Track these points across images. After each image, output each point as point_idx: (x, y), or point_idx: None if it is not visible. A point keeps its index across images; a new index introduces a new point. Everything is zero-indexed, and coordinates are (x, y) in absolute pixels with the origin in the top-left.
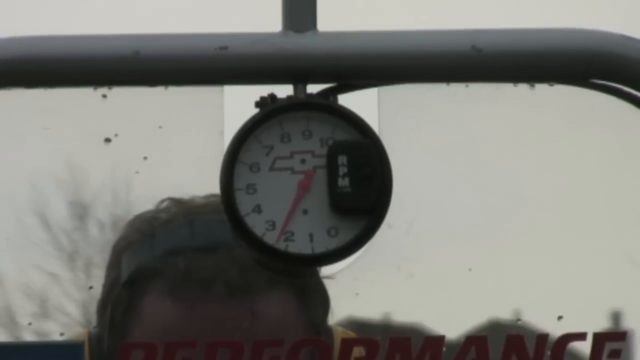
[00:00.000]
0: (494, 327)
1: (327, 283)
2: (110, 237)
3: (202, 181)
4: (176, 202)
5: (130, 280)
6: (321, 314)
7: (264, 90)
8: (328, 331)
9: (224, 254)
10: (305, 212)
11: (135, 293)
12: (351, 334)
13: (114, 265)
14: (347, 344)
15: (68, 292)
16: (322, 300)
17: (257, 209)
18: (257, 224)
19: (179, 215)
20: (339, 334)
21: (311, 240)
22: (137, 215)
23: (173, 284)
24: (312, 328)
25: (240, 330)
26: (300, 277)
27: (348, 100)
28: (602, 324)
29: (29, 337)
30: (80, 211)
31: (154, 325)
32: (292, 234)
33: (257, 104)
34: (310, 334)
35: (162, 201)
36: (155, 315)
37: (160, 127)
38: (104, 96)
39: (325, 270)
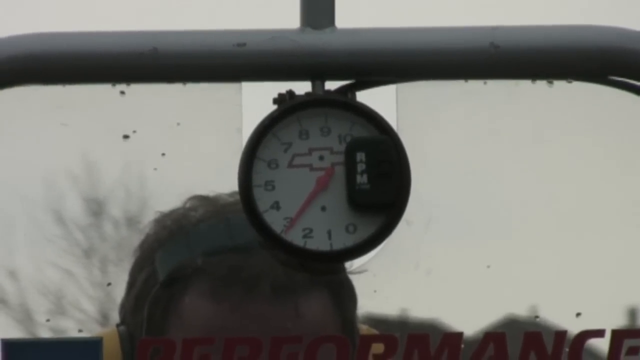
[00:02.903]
0: (512, 324)
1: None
2: (127, 235)
3: (221, 178)
4: (204, 200)
5: (169, 279)
6: (352, 310)
7: (282, 87)
8: (357, 329)
9: (265, 253)
10: (323, 208)
11: (176, 293)
12: (374, 332)
13: (145, 263)
14: (366, 340)
15: (84, 289)
16: (351, 297)
17: (276, 206)
18: (275, 221)
19: (211, 213)
20: (364, 331)
21: (329, 236)
22: (165, 214)
23: (216, 284)
24: (346, 325)
25: (284, 330)
26: (335, 273)
27: (366, 97)
28: (619, 321)
29: (45, 334)
30: (97, 208)
31: (198, 325)
32: (311, 230)
33: (275, 101)
34: (345, 331)
35: (189, 199)
36: (197, 316)
37: (178, 124)
38: (122, 93)
39: (352, 266)
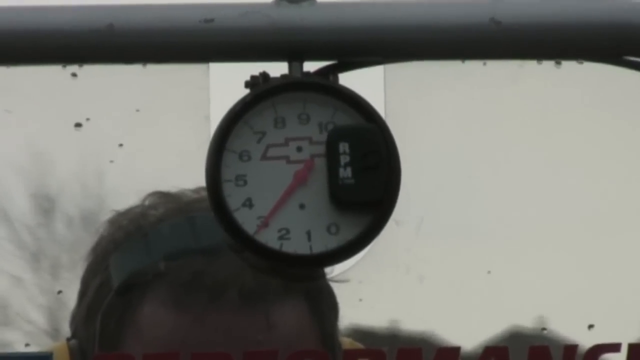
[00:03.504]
0: (516, 337)
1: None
2: (81, 235)
3: (186, 172)
4: (166, 197)
5: (124, 287)
6: (333, 321)
7: (255, 68)
8: (338, 342)
9: (233, 256)
10: (302, 206)
11: (132, 301)
12: (359, 346)
13: (98, 269)
14: (350, 355)
15: (32, 297)
16: (332, 306)
17: (248, 203)
18: (247, 220)
19: (173, 212)
20: (347, 345)
21: (309, 238)
22: (122, 212)
23: (178, 291)
24: (326, 338)
25: (254, 342)
26: (313, 279)
27: (350, 79)
28: (636, 334)
29: None
30: (47, 205)
31: (157, 338)
32: (288, 231)
33: (248, 84)
34: (325, 345)
35: (148, 196)
36: (158, 327)
37: (137, 110)
38: (74, 75)
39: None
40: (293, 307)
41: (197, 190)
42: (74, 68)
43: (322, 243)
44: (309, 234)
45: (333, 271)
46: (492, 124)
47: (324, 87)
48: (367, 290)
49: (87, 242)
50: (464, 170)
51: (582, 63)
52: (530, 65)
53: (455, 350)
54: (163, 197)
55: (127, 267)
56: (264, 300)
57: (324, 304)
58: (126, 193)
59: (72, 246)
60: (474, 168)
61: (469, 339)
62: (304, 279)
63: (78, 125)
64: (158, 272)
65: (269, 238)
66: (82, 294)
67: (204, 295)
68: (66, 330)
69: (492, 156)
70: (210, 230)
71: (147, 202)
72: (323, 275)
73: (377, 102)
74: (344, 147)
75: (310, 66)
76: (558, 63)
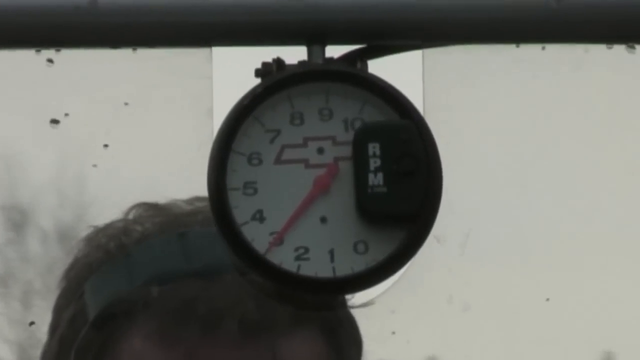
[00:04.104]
0: None
1: (355, 316)
2: (59, 255)
3: (183, 178)
4: (153, 209)
5: (103, 317)
6: (355, 358)
7: (267, 54)
8: None
9: (232, 280)
10: (323, 220)
11: (112, 335)
12: None
13: (72, 296)
14: None
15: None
16: (353, 340)
17: (259, 216)
18: (257, 236)
19: (161, 227)
20: None
21: (332, 258)
22: (100, 229)
23: (166, 322)
24: None
25: None
26: (328, 309)
27: (382, 67)
28: None
29: None
30: (18, 218)
31: None
32: (307, 249)
33: (258, 73)
34: None
35: (133, 208)
36: None
37: (126, 103)
38: (50, 61)
39: (354, 298)
40: (305, 340)
41: (190, 202)
42: (50, 53)
43: (347, 264)
44: (331, 253)
45: (354, 297)
46: (552, 120)
47: (350, 76)
48: (401, 322)
49: (65, 263)
50: (518, 177)
51: None
52: (598, 50)
53: None
54: (150, 209)
55: (106, 294)
56: (270, 332)
57: (344, 338)
58: (112, 204)
59: (48, 268)
60: (530, 174)
61: None
62: (320, 307)
63: (55, 122)
64: (142, 300)
65: (284, 258)
66: (54, 327)
67: (196, 326)
68: None
69: (552, 159)
70: (205, 249)
71: (130, 215)
72: (343, 302)
73: (413, 95)
74: (374, 148)
75: (334, 51)
76: (631, 47)
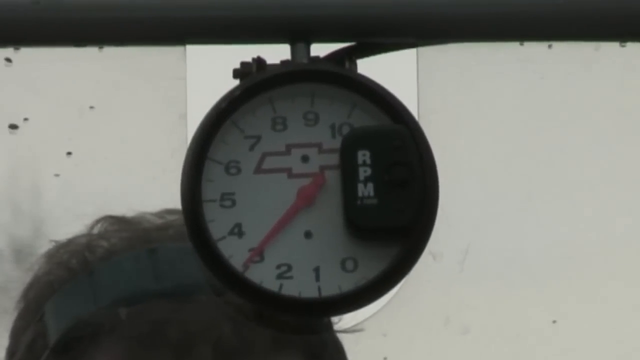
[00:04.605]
0: None
1: (343, 340)
2: (14, 273)
3: (153, 189)
4: (120, 224)
5: (64, 342)
6: None
7: (247, 52)
8: None
9: (206, 301)
10: (308, 235)
11: None
12: None
13: (31, 319)
14: None
15: None
16: None
17: (237, 230)
18: (235, 252)
19: (129, 242)
20: None
21: (317, 277)
22: (62, 243)
23: (134, 348)
24: None
25: None
26: (312, 332)
27: (372, 67)
28: None
29: None
30: None
31: None
32: (289, 267)
33: (237, 74)
34: None
35: (97, 221)
36: None
37: (91, 107)
38: (8, 61)
39: (341, 321)
40: None
41: (160, 215)
42: (7, 52)
43: (334, 283)
44: (317, 271)
45: (341, 319)
46: (560, 125)
47: (338, 77)
48: (393, 346)
49: (21, 281)
50: (522, 187)
51: None
52: (610, 48)
53: None
54: (116, 223)
55: (68, 316)
56: (248, 358)
57: None
58: (74, 217)
59: (2, 288)
60: (535, 183)
61: None
62: (303, 330)
63: (13, 127)
64: (108, 323)
65: (265, 276)
66: (12, 352)
67: (167, 352)
68: None
69: (560, 168)
70: (177, 267)
71: (95, 230)
72: (329, 325)
73: (407, 97)
74: (363, 156)
75: (320, 49)
76: None
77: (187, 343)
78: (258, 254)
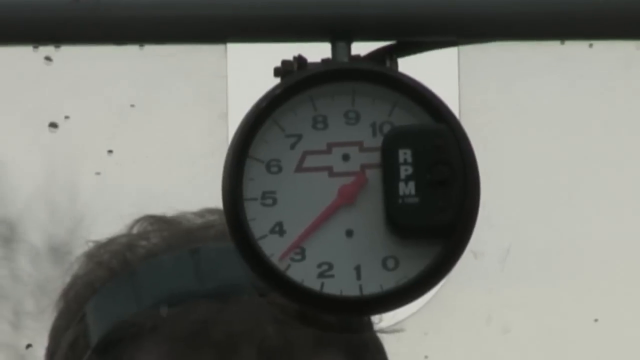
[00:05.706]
0: None
1: (384, 340)
2: (53, 273)
3: (195, 188)
4: (160, 223)
5: (105, 343)
6: None
7: (288, 51)
8: None
9: (249, 301)
10: (349, 233)
11: None
12: None
13: (72, 319)
14: None
15: None
16: None
17: (278, 229)
18: (277, 251)
19: (170, 242)
20: None
21: (359, 275)
22: (102, 244)
23: (177, 348)
24: None
25: None
26: (353, 331)
27: (414, 66)
28: None
29: None
30: (6, 233)
31: None
32: (330, 266)
33: (278, 72)
34: None
35: (138, 221)
36: None
37: (132, 105)
38: (48, 59)
39: (382, 321)
40: None
41: (201, 214)
42: (48, 50)
43: (375, 282)
44: (358, 269)
45: (382, 319)
46: (601, 125)
47: (379, 75)
48: (434, 345)
49: (59, 281)
50: (564, 186)
51: None
52: None
53: None
54: (157, 222)
55: (109, 317)
56: (291, 358)
57: None
58: (113, 217)
59: (40, 287)
60: (577, 183)
61: None
62: (345, 329)
63: (53, 125)
64: (150, 323)
65: (306, 275)
66: (52, 352)
67: (211, 353)
68: None
69: (602, 167)
70: (219, 266)
71: (135, 230)
72: (370, 324)
73: (448, 96)
74: (404, 155)
75: (361, 48)
76: None
77: (231, 343)
78: (296, 248)
